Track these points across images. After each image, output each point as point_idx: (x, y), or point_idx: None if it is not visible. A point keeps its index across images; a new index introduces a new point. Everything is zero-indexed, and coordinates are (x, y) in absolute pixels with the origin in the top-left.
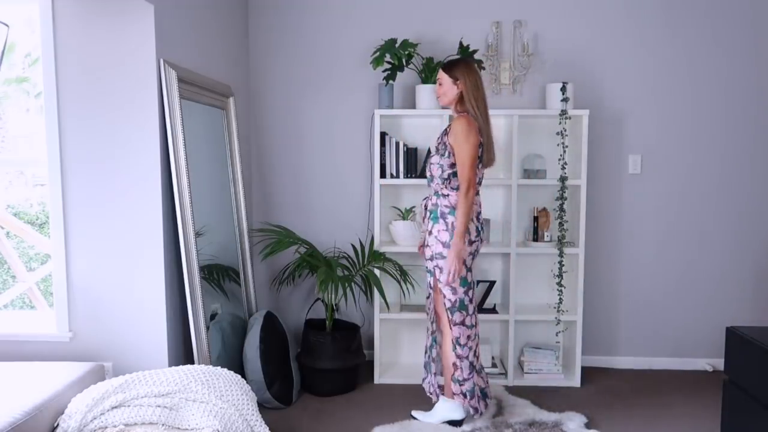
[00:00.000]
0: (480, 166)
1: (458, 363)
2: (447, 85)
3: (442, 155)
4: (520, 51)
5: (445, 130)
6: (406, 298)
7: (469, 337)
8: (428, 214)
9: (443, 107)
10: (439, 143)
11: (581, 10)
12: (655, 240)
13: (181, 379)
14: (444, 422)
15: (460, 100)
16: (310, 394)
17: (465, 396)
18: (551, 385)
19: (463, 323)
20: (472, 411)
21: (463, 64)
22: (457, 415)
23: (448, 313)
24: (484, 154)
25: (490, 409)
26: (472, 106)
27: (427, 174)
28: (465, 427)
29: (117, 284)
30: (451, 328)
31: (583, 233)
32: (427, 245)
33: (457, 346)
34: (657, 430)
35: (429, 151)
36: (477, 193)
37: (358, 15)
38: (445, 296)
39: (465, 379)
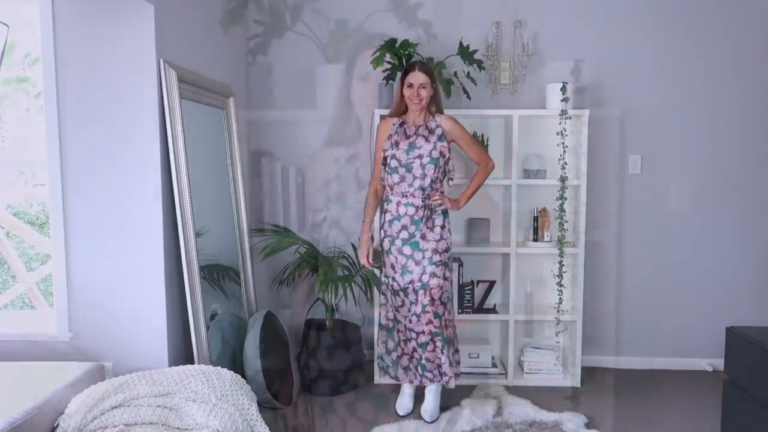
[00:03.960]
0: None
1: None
2: (429, 88)
3: (437, 163)
4: (520, 51)
5: (424, 135)
6: None
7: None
8: (430, 213)
9: (418, 111)
10: (430, 151)
11: (581, 10)
12: (655, 240)
13: (181, 379)
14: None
15: (432, 100)
16: (310, 394)
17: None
18: (551, 385)
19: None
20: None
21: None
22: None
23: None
24: None
25: (490, 409)
26: (439, 104)
27: (420, 176)
28: (465, 427)
29: (117, 284)
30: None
31: (583, 233)
32: (428, 241)
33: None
34: (657, 430)
35: (389, 155)
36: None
37: (358, 15)
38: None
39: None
